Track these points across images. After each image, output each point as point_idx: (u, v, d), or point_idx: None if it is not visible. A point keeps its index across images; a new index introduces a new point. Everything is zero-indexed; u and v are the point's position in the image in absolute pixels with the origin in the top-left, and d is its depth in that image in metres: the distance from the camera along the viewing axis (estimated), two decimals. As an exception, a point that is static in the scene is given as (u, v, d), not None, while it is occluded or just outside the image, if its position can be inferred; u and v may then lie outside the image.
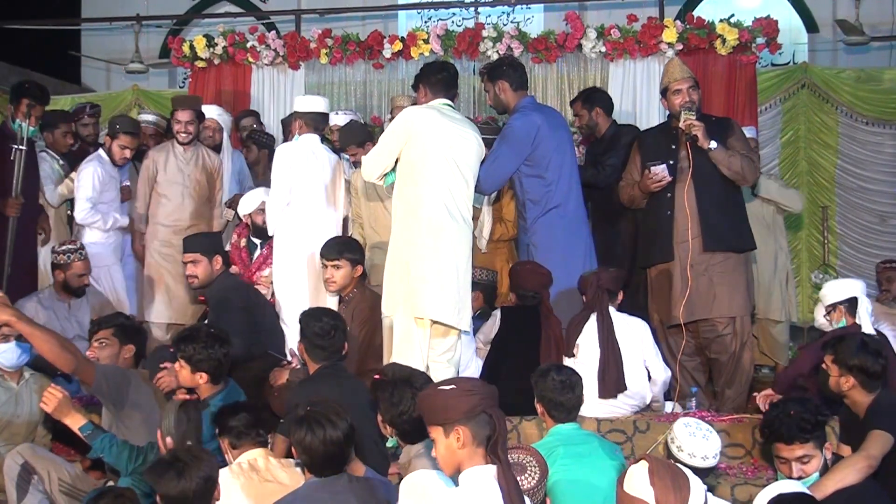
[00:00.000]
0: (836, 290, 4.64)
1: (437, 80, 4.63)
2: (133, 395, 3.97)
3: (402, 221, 4.44)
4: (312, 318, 4.10)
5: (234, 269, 5.58)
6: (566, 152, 5.09)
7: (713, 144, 4.84)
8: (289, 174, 5.10)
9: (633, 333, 4.58)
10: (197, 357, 3.86)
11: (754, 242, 5.13)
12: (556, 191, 5.01)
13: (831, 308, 4.61)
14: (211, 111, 6.33)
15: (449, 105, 4.61)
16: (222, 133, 6.32)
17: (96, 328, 4.36)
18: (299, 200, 5.11)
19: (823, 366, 3.83)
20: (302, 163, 5.14)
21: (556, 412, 3.63)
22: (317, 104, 5.36)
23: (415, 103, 4.77)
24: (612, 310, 4.59)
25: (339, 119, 6.40)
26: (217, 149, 6.24)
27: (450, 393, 2.66)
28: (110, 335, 4.29)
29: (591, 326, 4.55)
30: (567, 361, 4.57)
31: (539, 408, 3.70)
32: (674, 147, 4.99)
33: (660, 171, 4.92)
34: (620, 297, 4.76)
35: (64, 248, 5.36)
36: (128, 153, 5.88)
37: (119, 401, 3.93)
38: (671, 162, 4.95)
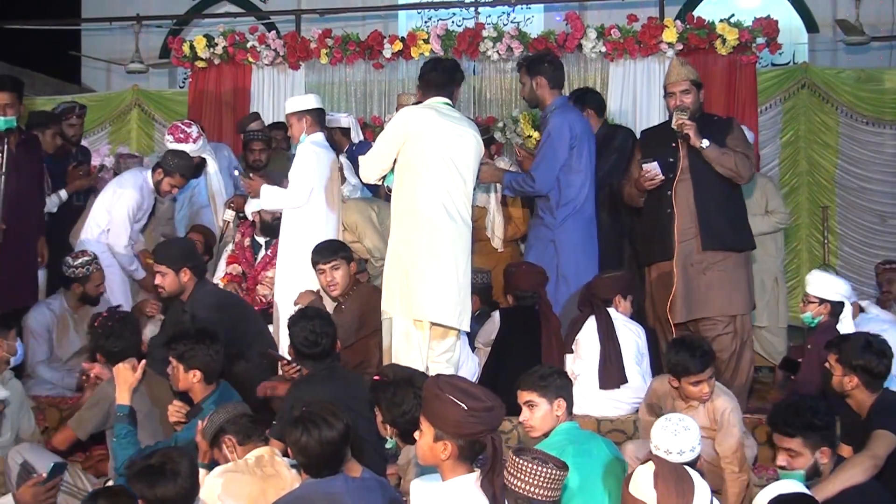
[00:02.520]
0: (834, 286, 4.69)
1: (428, 78, 4.62)
2: None
3: (400, 222, 4.43)
4: (298, 327, 4.00)
5: (236, 267, 5.58)
6: (592, 155, 5.21)
7: (705, 143, 4.84)
8: (313, 176, 5.03)
9: (633, 336, 4.63)
10: (189, 353, 3.88)
11: (753, 242, 5.12)
12: (585, 191, 5.13)
13: (819, 300, 4.66)
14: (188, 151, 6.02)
15: (447, 104, 4.58)
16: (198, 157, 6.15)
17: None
18: (313, 201, 5.06)
19: (827, 365, 3.84)
20: (323, 165, 5.10)
21: None
22: (316, 100, 5.32)
23: (418, 102, 4.76)
24: (611, 311, 4.63)
25: (343, 121, 6.40)
26: (199, 168, 6.13)
27: (457, 409, 2.61)
28: None
29: (591, 324, 4.59)
30: (567, 359, 4.58)
31: None
32: (674, 145, 4.98)
33: (652, 168, 4.91)
34: (623, 303, 4.75)
35: (80, 261, 5.31)
36: (175, 191, 5.86)
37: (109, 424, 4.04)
38: (671, 160, 4.94)
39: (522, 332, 4.71)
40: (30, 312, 5.27)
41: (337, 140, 6.27)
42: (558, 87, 5.25)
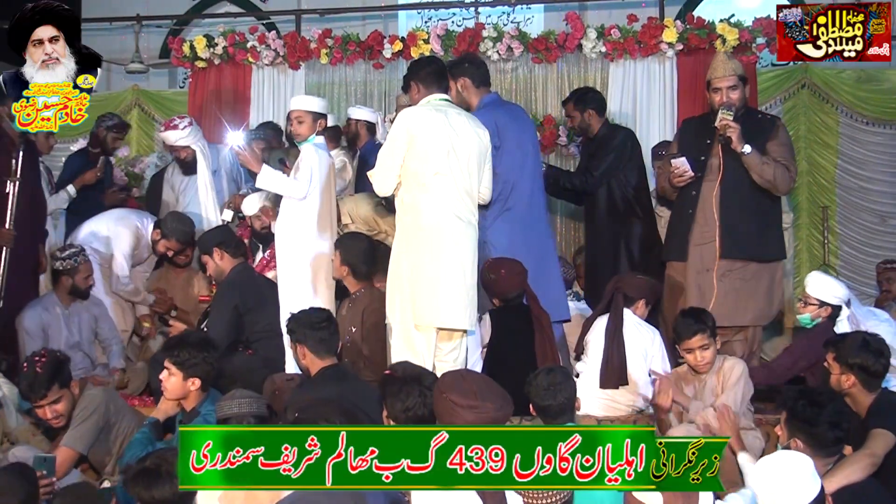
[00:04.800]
0: (834, 290, 4.63)
1: (427, 73, 4.55)
2: (111, 421, 4.08)
3: (403, 226, 4.40)
4: (306, 314, 4.12)
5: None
6: (528, 153, 4.91)
7: (747, 149, 4.69)
8: (317, 176, 5.01)
9: (642, 337, 4.58)
10: (191, 361, 3.85)
11: (782, 251, 4.97)
12: (516, 192, 4.80)
13: (819, 303, 4.58)
14: (173, 137, 6.16)
15: (446, 100, 4.54)
16: (191, 150, 6.19)
17: (41, 396, 4.06)
18: (312, 201, 5.06)
19: (825, 364, 3.84)
20: (326, 168, 5.10)
21: (543, 415, 3.63)
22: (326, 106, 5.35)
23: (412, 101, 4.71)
24: (627, 312, 4.58)
25: (361, 114, 6.39)
26: (192, 166, 6.13)
27: (446, 403, 2.61)
28: (57, 389, 4.08)
29: (600, 325, 4.57)
30: (578, 364, 4.59)
31: (531, 409, 3.71)
32: (709, 142, 4.87)
33: (679, 164, 4.81)
34: (642, 307, 4.71)
35: (67, 252, 5.30)
36: (170, 253, 5.85)
37: (102, 435, 4.07)
38: (702, 158, 4.85)
39: (516, 331, 4.66)
40: (23, 312, 5.25)
41: (361, 134, 6.33)
42: (485, 84, 4.98)
